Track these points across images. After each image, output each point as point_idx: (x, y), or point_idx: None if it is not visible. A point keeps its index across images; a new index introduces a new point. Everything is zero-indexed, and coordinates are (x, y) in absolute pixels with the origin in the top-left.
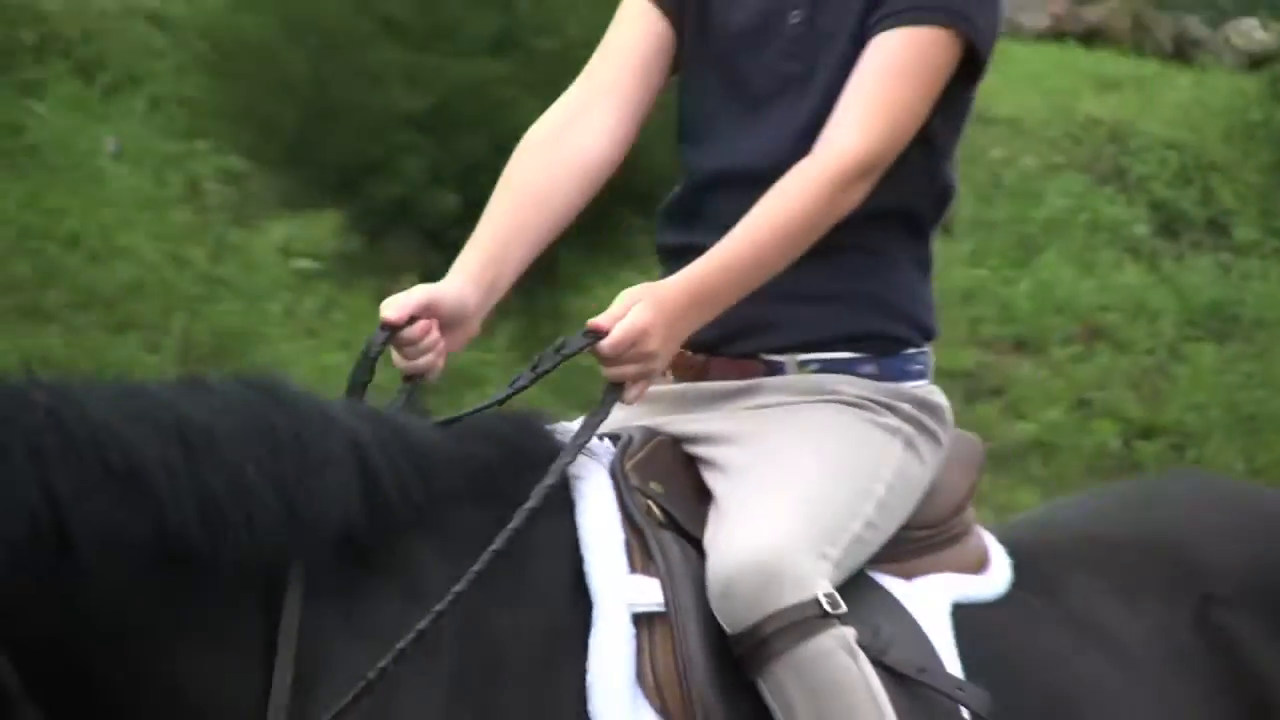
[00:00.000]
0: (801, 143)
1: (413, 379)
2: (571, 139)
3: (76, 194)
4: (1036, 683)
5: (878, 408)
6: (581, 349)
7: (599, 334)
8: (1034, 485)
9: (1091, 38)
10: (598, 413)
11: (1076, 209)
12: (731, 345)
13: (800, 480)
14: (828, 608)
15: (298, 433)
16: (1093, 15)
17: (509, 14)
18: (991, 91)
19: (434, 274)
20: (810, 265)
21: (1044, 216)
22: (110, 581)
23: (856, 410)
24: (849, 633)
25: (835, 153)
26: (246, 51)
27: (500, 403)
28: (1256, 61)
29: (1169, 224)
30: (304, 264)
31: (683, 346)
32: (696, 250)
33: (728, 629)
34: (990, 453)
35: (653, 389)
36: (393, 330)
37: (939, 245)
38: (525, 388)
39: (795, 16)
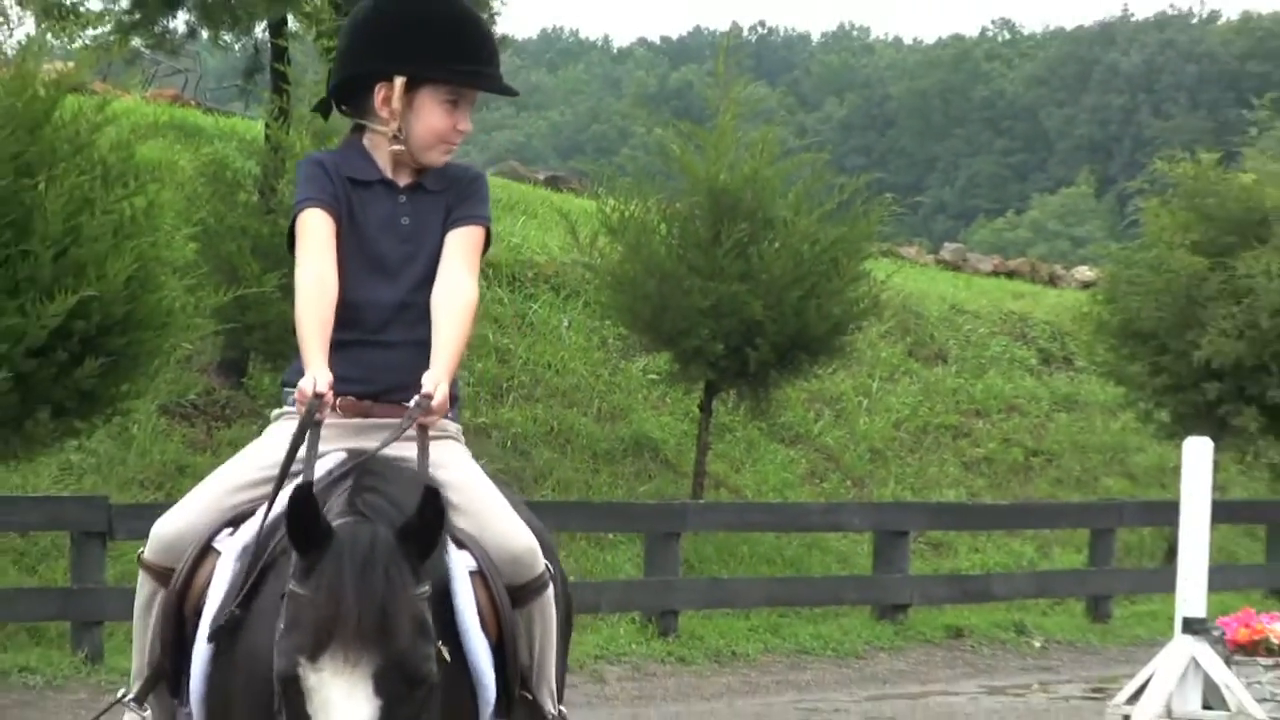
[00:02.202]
0: (414, 291)
1: (318, 424)
2: (327, 283)
3: (550, 346)
4: None
5: (462, 440)
6: (425, 409)
7: (429, 398)
8: (985, 479)
9: (1012, 274)
10: (425, 447)
11: (1004, 352)
12: (388, 397)
13: (501, 499)
14: (550, 572)
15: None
16: (1013, 264)
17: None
18: (964, 298)
19: (711, 385)
20: (423, 353)
21: (989, 355)
22: None
23: (462, 446)
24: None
25: (468, 292)
26: (627, 280)
27: (381, 448)
28: (1087, 285)
29: (1046, 359)
30: (652, 377)
31: (353, 395)
32: (354, 342)
33: (512, 582)
34: (965, 464)
35: (334, 422)
36: (320, 398)
37: (942, 368)
38: (396, 438)
39: (405, 220)
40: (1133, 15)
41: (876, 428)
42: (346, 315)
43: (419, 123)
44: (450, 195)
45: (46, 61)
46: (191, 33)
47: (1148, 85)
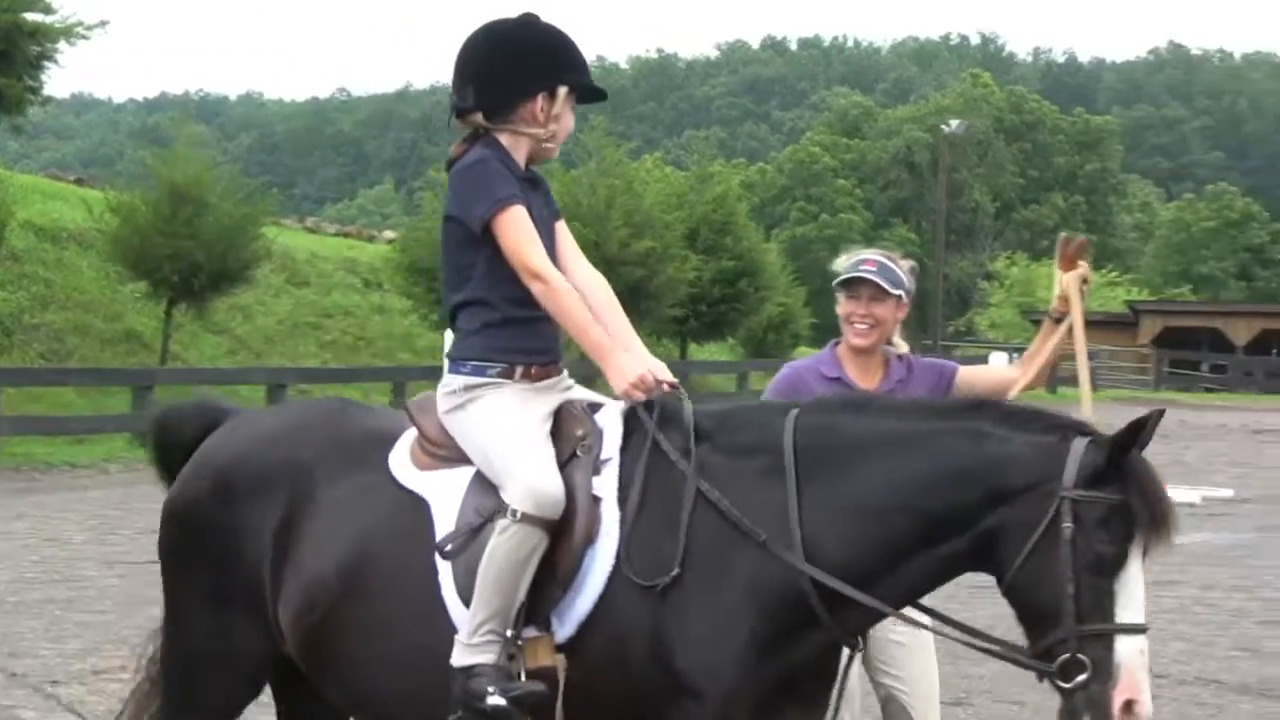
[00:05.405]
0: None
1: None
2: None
3: (76, 276)
4: None
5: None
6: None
7: (674, 384)
8: (332, 354)
9: (348, 235)
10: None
11: (344, 279)
12: (555, 363)
13: None
14: None
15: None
16: (349, 229)
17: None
18: (320, 249)
19: (172, 299)
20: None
21: (334, 281)
22: None
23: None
24: None
25: (604, 280)
26: (122, 239)
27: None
28: (390, 241)
29: (367, 284)
30: (137, 295)
31: (539, 364)
32: (536, 319)
33: None
34: (321, 345)
35: (526, 386)
36: (662, 385)
37: (307, 289)
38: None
39: (543, 210)
40: None
41: (269, 323)
42: (529, 295)
43: (560, 126)
44: (543, 186)
45: None
46: None
47: (429, 138)
